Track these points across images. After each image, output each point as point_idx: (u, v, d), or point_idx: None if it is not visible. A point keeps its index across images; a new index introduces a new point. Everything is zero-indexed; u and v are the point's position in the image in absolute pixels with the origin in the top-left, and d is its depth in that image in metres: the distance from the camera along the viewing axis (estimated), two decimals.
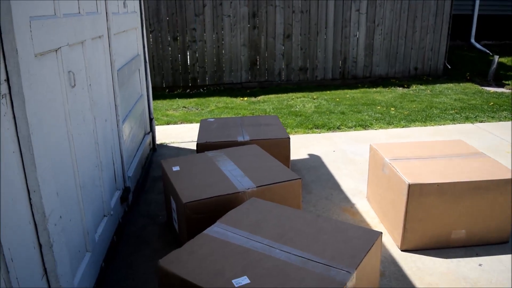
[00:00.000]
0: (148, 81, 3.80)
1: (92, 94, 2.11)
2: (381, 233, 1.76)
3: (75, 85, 1.79)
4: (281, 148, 3.01)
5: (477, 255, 2.33)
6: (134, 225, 2.72)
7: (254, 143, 2.95)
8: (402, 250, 2.38)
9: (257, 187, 2.19)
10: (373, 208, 2.84)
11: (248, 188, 2.18)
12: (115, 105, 2.57)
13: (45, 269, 1.56)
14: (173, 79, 6.80)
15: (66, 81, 1.74)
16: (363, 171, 3.46)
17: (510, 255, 2.32)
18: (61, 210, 1.67)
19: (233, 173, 2.36)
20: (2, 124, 1.29)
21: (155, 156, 3.94)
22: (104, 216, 2.32)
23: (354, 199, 3.01)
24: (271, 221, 1.84)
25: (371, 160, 2.83)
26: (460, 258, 2.31)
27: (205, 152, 2.71)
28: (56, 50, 1.68)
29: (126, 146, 2.92)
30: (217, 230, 1.79)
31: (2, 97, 1.31)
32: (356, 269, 1.51)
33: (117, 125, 2.62)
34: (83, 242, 1.96)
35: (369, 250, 1.63)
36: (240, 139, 3.00)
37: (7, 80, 1.33)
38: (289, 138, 3.01)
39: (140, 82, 3.61)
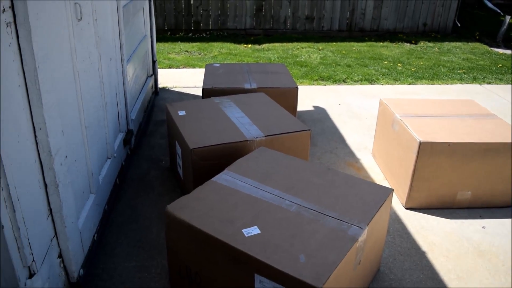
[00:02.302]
0: (152, 21, 3.64)
1: (98, 30, 2.00)
2: (392, 190, 1.73)
3: (81, 18, 1.68)
4: (288, 98, 2.93)
5: (481, 217, 2.33)
6: (137, 168, 2.69)
7: (261, 91, 2.86)
8: (406, 208, 2.37)
9: (265, 136, 2.14)
10: (379, 164, 2.81)
11: (257, 137, 2.12)
12: (120, 43, 2.45)
13: (50, 210, 1.52)
14: (175, 22, 6.58)
15: (73, 13, 1.63)
16: (369, 126, 3.41)
17: None
18: (67, 149, 1.61)
19: (240, 120, 2.30)
20: (7, 56, 1.21)
21: (157, 100, 3.85)
22: (108, 158, 2.27)
23: (359, 154, 2.97)
24: (281, 171, 1.80)
25: (380, 115, 2.77)
26: (464, 219, 2.30)
27: (212, 97, 2.63)
28: None
29: (129, 87, 2.83)
30: (226, 177, 1.75)
31: (7, 26, 1.22)
32: (368, 224, 1.49)
33: (122, 64, 2.51)
34: (88, 183, 1.91)
35: (381, 206, 1.60)
36: (247, 86, 2.91)
37: (12, 7, 1.23)
38: (297, 88, 2.93)
39: (144, 21, 3.46)
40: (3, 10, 1.18)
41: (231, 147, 2.07)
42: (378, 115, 2.81)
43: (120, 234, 2.10)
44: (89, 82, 1.90)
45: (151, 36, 3.68)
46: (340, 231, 1.45)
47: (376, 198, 1.64)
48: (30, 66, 1.30)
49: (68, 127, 1.64)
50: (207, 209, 1.54)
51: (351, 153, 2.98)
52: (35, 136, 1.40)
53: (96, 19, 1.96)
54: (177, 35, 6.56)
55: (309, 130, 2.23)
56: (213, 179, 1.74)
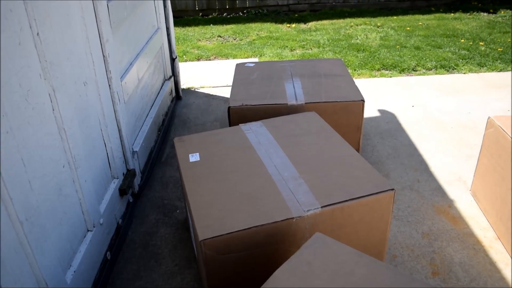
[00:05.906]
0: (168, 8, 2.85)
1: (46, 49, 1.23)
2: None
3: None
4: (350, 115, 2.09)
5: None
6: (141, 224, 1.96)
7: (312, 107, 2.03)
8: None
9: (322, 207, 1.33)
10: (484, 210, 1.93)
11: (308, 210, 1.32)
12: (103, 55, 1.69)
13: None
14: (207, 1, 5.75)
15: None
16: (458, 142, 2.50)
17: None
18: None
19: (281, 172, 1.50)
20: None
21: (179, 107, 3.09)
22: (88, 231, 1.54)
23: (451, 191, 2.10)
24: None
25: (488, 140, 1.88)
26: None
27: (240, 125, 1.84)
28: None
29: (130, 109, 2.08)
30: None
31: None
32: None
33: (109, 85, 1.76)
34: None
35: None
36: (291, 101, 2.08)
37: None
38: (363, 100, 2.07)
39: (156, 11, 2.67)
40: None
41: (267, 231, 1.28)
42: (484, 139, 1.92)
43: None
44: (26, 143, 1.15)
45: (168, 29, 2.90)
46: None
47: None
48: None
49: None
50: None
51: (439, 190, 2.11)
52: None
53: (38, 33, 1.19)
54: (210, 16, 5.73)
55: (393, 190, 1.40)
56: None
